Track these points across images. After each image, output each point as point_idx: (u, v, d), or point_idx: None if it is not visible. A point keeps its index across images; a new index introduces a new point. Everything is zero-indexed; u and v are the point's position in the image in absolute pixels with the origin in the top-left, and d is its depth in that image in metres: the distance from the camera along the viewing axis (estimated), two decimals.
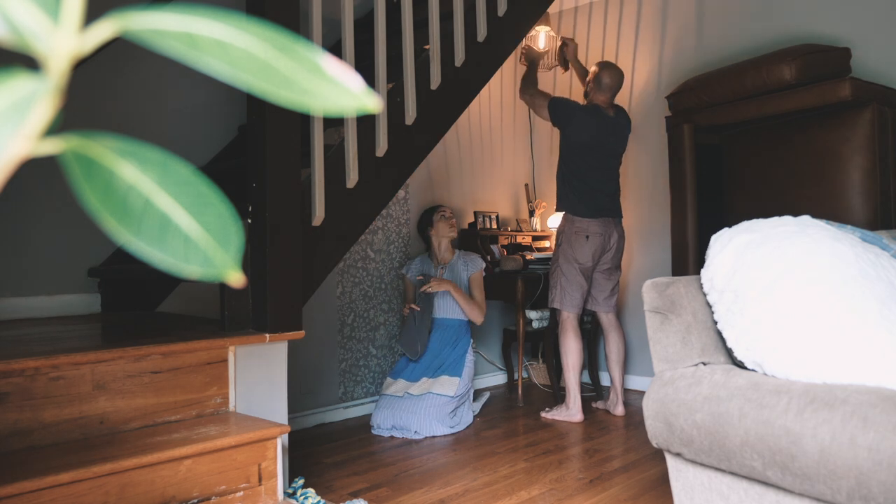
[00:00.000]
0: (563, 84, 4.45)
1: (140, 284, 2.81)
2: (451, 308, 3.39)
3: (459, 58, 2.63)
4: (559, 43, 3.77)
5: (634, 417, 3.33)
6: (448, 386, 3.15)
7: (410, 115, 2.46)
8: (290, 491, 2.09)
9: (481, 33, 2.72)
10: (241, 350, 1.99)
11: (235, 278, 0.32)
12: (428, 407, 3.06)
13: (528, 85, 3.51)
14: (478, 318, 3.40)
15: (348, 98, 0.31)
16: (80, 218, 2.61)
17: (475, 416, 3.36)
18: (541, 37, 3.86)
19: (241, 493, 1.74)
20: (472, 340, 3.44)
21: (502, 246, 4.09)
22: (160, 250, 0.31)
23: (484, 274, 3.55)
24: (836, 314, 1.32)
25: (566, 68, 3.81)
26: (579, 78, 3.70)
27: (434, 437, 3.03)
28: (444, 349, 3.31)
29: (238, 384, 1.98)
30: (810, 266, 1.40)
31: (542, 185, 4.57)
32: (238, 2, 2.02)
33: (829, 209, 2.70)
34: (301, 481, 2.16)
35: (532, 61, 3.63)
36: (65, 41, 0.29)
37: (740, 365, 1.50)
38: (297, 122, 2.08)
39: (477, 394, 3.78)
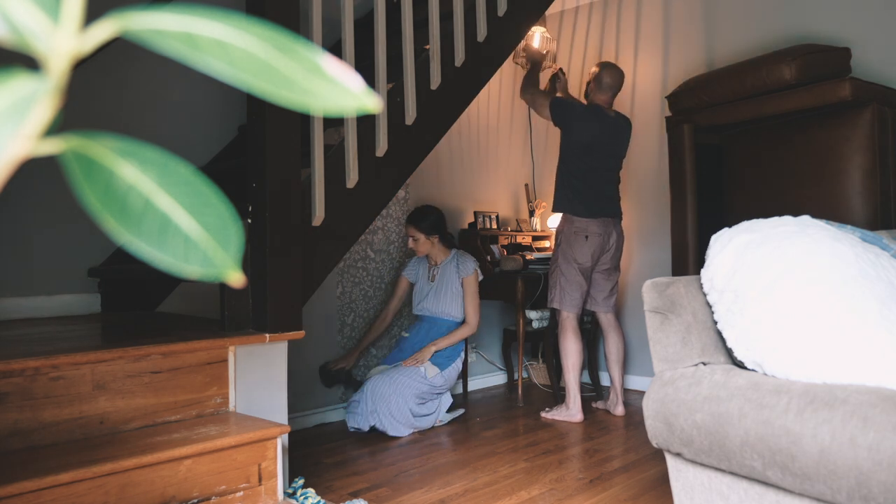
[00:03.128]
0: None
1: (140, 284, 2.81)
2: (443, 306, 3.35)
3: (459, 58, 2.63)
4: (555, 70, 3.73)
5: (634, 417, 3.33)
6: (427, 369, 3.13)
7: (410, 115, 2.46)
8: (290, 491, 2.09)
9: (481, 33, 2.72)
10: (241, 350, 1.99)
11: (235, 278, 0.32)
12: (398, 374, 3.02)
13: (529, 85, 3.51)
14: (471, 332, 3.36)
15: (348, 98, 0.31)
16: (80, 218, 2.61)
17: (441, 424, 3.22)
18: (536, 37, 3.86)
19: (241, 493, 1.74)
20: (463, 347, 3.38)
21: (502, 246, 4.09)
22: (160, 250, 0.31)
23: (480, 277, 3.44)
24: (836, 314, 1.32)
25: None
26: None
27: (381, 444, 2.90)
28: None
29: (238, 384, 1.98)
30: (810, 266, 1.40)
31: (542, 185, 4.57)
32: (238, 2, 2.02)
33: (829, 209, 2.70)
34: (301, 481, 2.16)
35: (534, 62, 3.63)
36: (65, 41, 0.29)
37: (740, 365, 1.50)
38: (297, 122, 2.08)
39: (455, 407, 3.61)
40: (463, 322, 3.38)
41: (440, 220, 3.39)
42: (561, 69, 3.72)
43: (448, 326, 3.36)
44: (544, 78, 4.46)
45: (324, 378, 3.27)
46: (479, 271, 3.42)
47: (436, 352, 3.24)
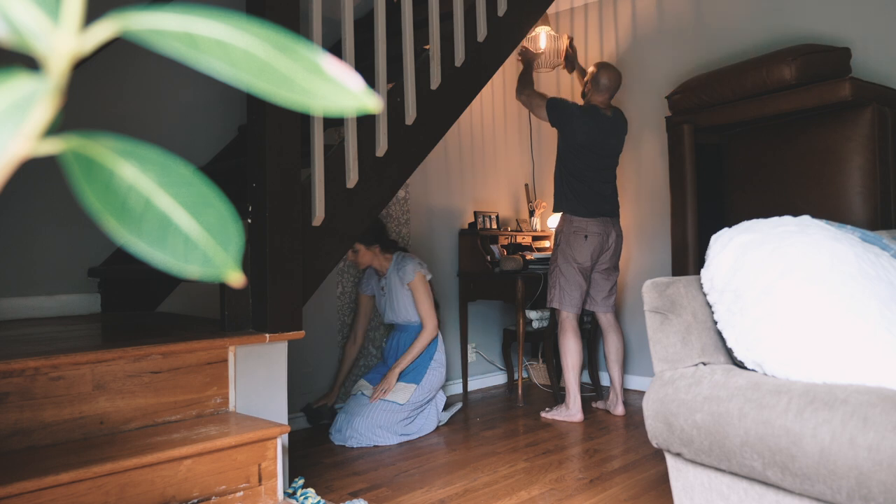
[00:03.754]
0: (565, 85, 4.45)
1: (140, 284, 2.81)
2: (402, 314, 3.24)
3: (459, 58, 2.63)
4: (566, 44, 3.75)
5: (634, 417, 3.33)
6: (401, 393, 3.01)
7: (410, 115, 2.46)
8: (290, 491, 2.09)
9: (481, 33, 2.72)
10: (241, 350, 1.99)
11: (235, 278, 0.32)
12: (374, 412, 2.93)
13: (525, 86, 3.51)
14: (431, 336, 3.19)
15: (348, 98, 0.31)
16: (80, 218, 2.61)
17: (441, 425, 3.22)
18: (542, 37, 3.85)
19: (241, 493, 1.74)
20: (439, 345, 3.23)
21: (502, 246, 4.09)
22: (160, 250, 0.31)
23: (429, 276, 3.25)
24: (836, 314, 1.32)
25: (572, 70, 3.80)
26: (580, 81, 3.70)
27: (381, 446, 2.90)
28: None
29: (238, 384, 1.98)
30: (810, 266, 1.40)
31: (542, 185, 4.57)
32: (238, 2, 2.02)
33: (829, 209, 2.70)
34: (301, 481, 2.16)
35: (527, 62, 3.63)
36: (65, 41, 0.29)
37: (740, 365, 1.50)
38: (297, 122, 2.08)
39: (449, 403, 3.59)
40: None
41: (379, 228, 3.25)
42: (571, 39, 3.74)
43: (416, 329, 3.23)
44: (547, 78, 4.47)
45: (308, 417, 3.21)
46: (423, 272, 3.22)
47: (401, 372, 3.10)
